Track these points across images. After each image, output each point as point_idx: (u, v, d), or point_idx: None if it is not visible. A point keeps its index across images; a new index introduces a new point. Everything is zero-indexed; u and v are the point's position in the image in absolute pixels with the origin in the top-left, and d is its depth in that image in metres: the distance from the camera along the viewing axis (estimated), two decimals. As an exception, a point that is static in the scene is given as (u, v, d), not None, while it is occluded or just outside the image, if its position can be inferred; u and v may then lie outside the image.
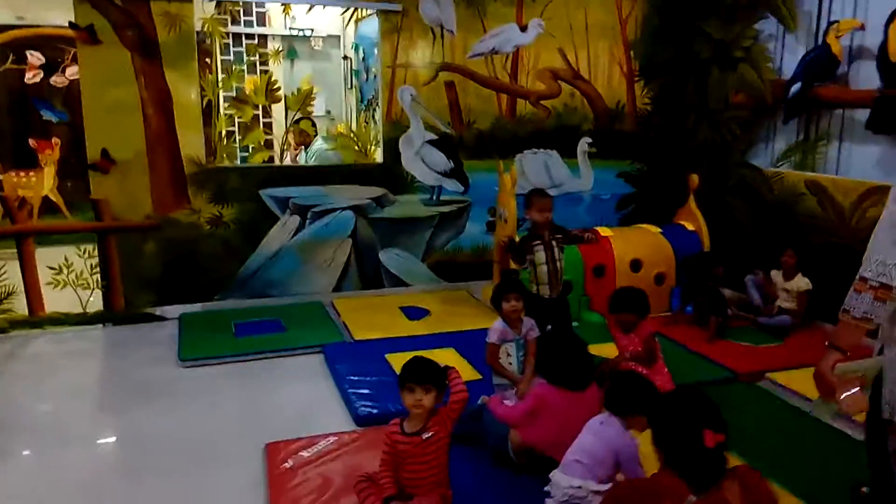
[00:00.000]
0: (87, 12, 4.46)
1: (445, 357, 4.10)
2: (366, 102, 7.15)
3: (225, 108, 5.87)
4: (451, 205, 5.55)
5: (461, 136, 5.48)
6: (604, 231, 5.16)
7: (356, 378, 3.76)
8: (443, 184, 5.49)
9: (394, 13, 5.13)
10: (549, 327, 3.72)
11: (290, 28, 7.20)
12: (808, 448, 3.19)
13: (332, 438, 3.12)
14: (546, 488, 2.54)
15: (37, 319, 4.70)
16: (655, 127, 5.97)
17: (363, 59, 7.37)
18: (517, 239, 3.51)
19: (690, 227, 5.31)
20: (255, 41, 7.46)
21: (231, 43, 7.17)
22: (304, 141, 6.19)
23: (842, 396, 1.99)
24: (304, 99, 6.17)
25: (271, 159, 6.39)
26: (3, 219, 5.25)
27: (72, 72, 6.39)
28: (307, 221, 5.19)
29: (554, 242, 3.79)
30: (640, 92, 5.93)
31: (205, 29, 5.47)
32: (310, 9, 6.04)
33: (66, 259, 4.80)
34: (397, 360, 4.00)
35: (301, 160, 6.57)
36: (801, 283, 4.57)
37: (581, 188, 5.87)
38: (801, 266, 4.58)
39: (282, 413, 3.52)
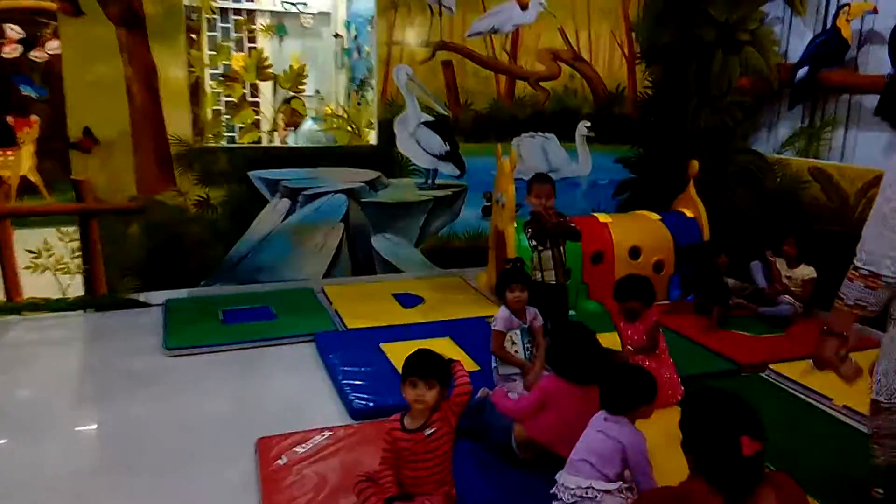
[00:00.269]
0: (68, -17, 4.24)
1: (442, 347, 3.96)
2: (358, 82, 6.96)
3: (213, 86, 5.64)
4: (447, 189, 5.39)
5: (457, 117, 5.31)
6: (602, 217, 5.06)
7: (350, 369, 3.63)
8: (438, 167, 5.33)
9: (390, -11, 4.94)
10: (548, 323, 3.61)
11: (283, 2, 6.95)
12: (815, 440, 3.12)
13: (326, 433, 2.99)
14: (553, 490, 2.43)
15: (14, 305, 4.51)
16: (656, 111, 5.84)
17: (355, 37, 7.17)
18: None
19: (690, 214, 5.21)
20: (244, 17, 7.23)
21: (219, 18, 6.95)
22: (295, 121, 5.98)
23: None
24: (296, 77, 5.95)
25: (260, 140, 6.18)
26: (-20, 199, 5.04)
27: (52, 46, 6.11)
28: (298, 205, 5.01)
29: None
30: (642, 75, 5.78)
31: (193, 2, 5.23)
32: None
33: (45, 242, 4.58)
34: (392, 350, 3.89)
35: (290, 142, 6.36)
36: (806, 271, 4.50)
37: (579, 173, 5.74)
38: (805, 255, 4.49)
39: (273, 405, 3.39)
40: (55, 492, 2.66)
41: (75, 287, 4.59)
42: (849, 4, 4.38)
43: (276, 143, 6.51)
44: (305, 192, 5.01)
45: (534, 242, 3.66)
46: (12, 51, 6.40)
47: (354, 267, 5.24)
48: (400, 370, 3.58)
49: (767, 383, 3.69)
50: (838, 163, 4.57)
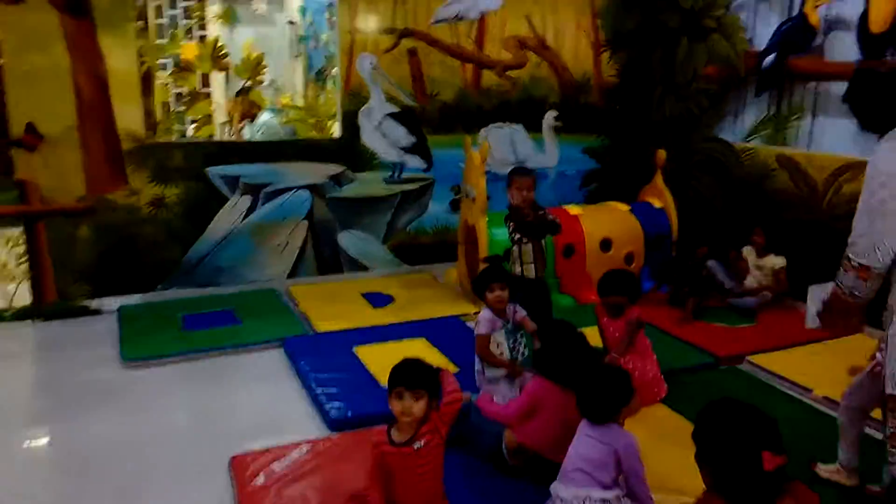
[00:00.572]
0: (3, -33, 3.92)
1: (418, 348, 3.86)
2: (315, 71, 6.72)
3: (166, 78, 5.35)
4: (414, 183, 5.24)
5: (424, 108, 5.15)
6: (572, 209, 4.98)
7: (324, 375, 3.46)
8: (405, 160, 5.16)
9: (351, -26, 4.74)
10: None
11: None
12: (800, 433, 3.07)
13: (305, 447, 2.83)
14: (548, 503, 2.33)
15: (-45, 316, 4.20)
16: (621, 100, 5.78)
17: (311, 24, 6.92)
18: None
19: (658, 205, 5.17)
20: (194, 2, 6.89)
21: (163, 5, 6.60)
22: (250, 113, 5.72)
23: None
24: (254, 67, 5.69)
25: (216, 134, 5.90)
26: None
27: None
28: (259, 202, 4.80)
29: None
30: (607, 63, 5.71)
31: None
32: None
33: (-14, 247, 4.28)
34: (367, 354, 3.75)
35: (246, 135, 6.10)
36: (776, 260, 4.50)
37: (546, 164, 5.65)
38: (774, 243, 4.50)
39: (243, 419, 3.20)
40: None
41: (21, 295, 4.29)
42: (816, -9, 4.37)
43: (229, 136, 6.25)
44: (267, 189, 4.80)
45: (517, 235, 3.55)
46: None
47: (320, 266, 5.05)
48: (375, 374, 3.51)
49: (746, 375, 3.67)
50: (806, 150, 4.58)
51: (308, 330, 4.16)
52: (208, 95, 6.00)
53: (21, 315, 4.27)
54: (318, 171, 4.95)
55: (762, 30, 4.90)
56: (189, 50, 5.81)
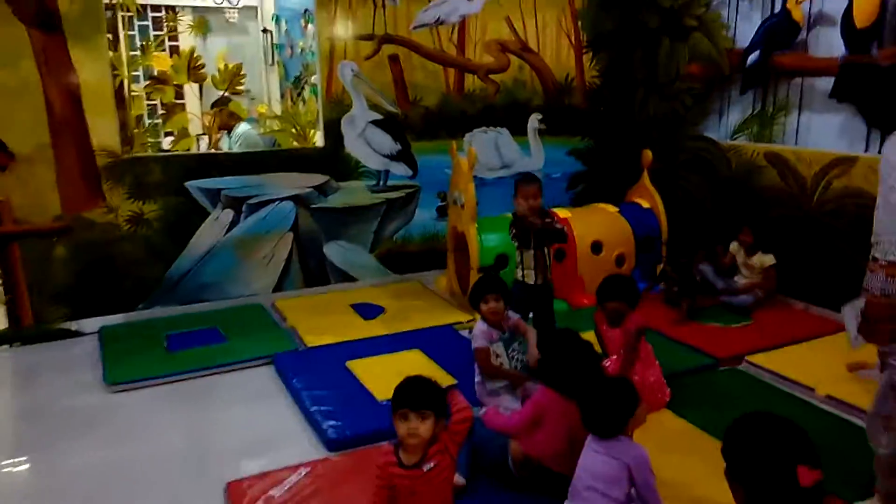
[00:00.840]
0: (-33, -21, 3.77)
1: (412, 360, 3.77)
2: (292, 79, 6.60)
3: (142, 90, 5.19)
4: (400, 190, 5.15)
5: (407, 115, 5.07)
6: (562, 212, 4.90)
7: (317, 393, 3.35)
8: (390, 168, 5.07)
9: (329, -21, 4.64)
10: (532, 315, 3.56)
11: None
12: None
13: (303, 470, 2.72)
14: (560, 523, 2.26)
15: (-74, 343, 4.02)
16: (604, 101, 5.75)
17: (286, 32, 6.80)
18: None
19: (646, 205, 5.12)
20: (163, 13, 6.73)
21: (134, 16, 6.43)
22: (228, 124, 5.58)
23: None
24: (232, 77, 5.56)
25: (197, 147, 5.74)
26: None
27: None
28: (242, 215, 4.67)
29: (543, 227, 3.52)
30: (589, 64, 5.67)
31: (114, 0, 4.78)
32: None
33: (-42, 271, 4.11)
34: (360, 368, 3.65)
35: (224, 146, 5.96)
36: (765, 258, 4.47)
37: (532, 167, 5.57)
38: (762, 241, 4.47)
39: (236, 442, 3.07)
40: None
41: (-3, 319, 4.13)
42: (799, -14, 4.36)
43: (205, 147, 6.09)
44: (250, 202, 4.67)
45: (516, 243, 3.50)
46: None
47: (306, 278, 4.93)
48: (371, 389, 3.41)
49: (747, 376, 3.62)
50: (794, 147, 4.57)
51: (298, 345, 4.04)
52: (184, 107, 5.85)
53: (-3, 341, 4.10)
54: (302, 182, 4.84)
55: (744, 27, 4.89)
56: (162, 61, 5.65)
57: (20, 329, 4.15)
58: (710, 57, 5.03)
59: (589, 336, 3.81)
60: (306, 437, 3.08)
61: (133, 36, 6.32)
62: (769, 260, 4.45)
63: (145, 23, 6.67)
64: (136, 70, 6.01)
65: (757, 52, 4.67)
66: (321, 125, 4.90)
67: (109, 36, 4.60)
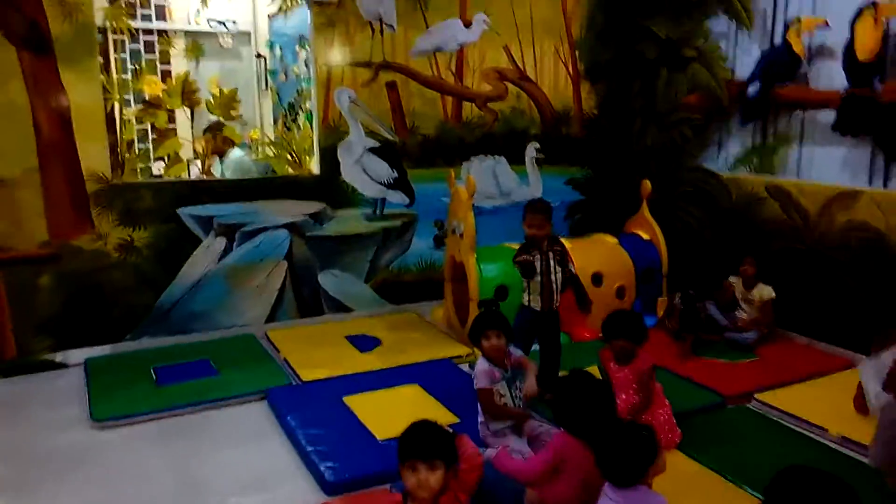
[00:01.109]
0: (-43, 0, 3.66)
1: (411, 396, 3.64)
2: (286, 105, 6.51)
3: (133, 113, 5.07)
4: (396, 219, 5.05)
5: (404, 142, 4.99)
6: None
7: (314, 431, 3.21)
8: (386, 196, 4.98)
9: (328, 5, 4.58)
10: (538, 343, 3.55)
11: (208, 20, 6.42)
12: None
13: (301, 517, 2.58)
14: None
15: None
16: (602, 131, 5.72)
17: (281, 57, 6.72)
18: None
19: (646, 237, 5.07)
20: (164, 37, 6.64)
21: (126, 39, 6.34)
22: (221, 149, 5.47)
23: None
24: (227, 102, 5.46)
25: (189, 173, 5.61)
26: None
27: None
28: (235, 243, 4.54)
29: (551, 254, 3.50)
30: (587, 94, 5.64)
31: (107, 23, 4.67)
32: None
33: (-63, 300, 3.94)
34: (358, 404, 3.52)
35: (216, 171, 5.84)
36: (764, 291, 4.40)
37: (530, 196, 5.50)
38: (763, 274, 4.41)
39: (229, 483, 2.92)
40: None
41: (-23, 351, 3.96)
42: (799, 18, 4.36)
43: (195, 173, 5.97)
44: (243, 229, 4.55)
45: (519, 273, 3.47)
46: None
47: (300, 308, 4.80)
48: (369, 426, 3.28)
49: (756, 415, 3.52)
50: (795, 179, 4.53)
51: (292, 379, 3.91)
52: (175, 132, 5.73)
53: (-23, 373, 3.93)
54: (297, 209, 4.73)
55: (743, 59, 4.89)
56: (153, 85, 5.55)
57: (2, 360, 3.98)
58: (708, 88, 5.01)
59: (592, 370, 3.76)
60: (302, 478, 2.93)
61: (124, 59, 6.23)
62: (768, 293, 4.37)
63: (137, 46, 6.58)
64: (128, 94, 5.90)
65: (757, 84, 4.65)
66: (317, 152, 4.80)
67: (101, 59, 4.51)
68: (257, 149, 6.20)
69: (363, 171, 4.85)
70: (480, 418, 3.04)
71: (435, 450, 2.06)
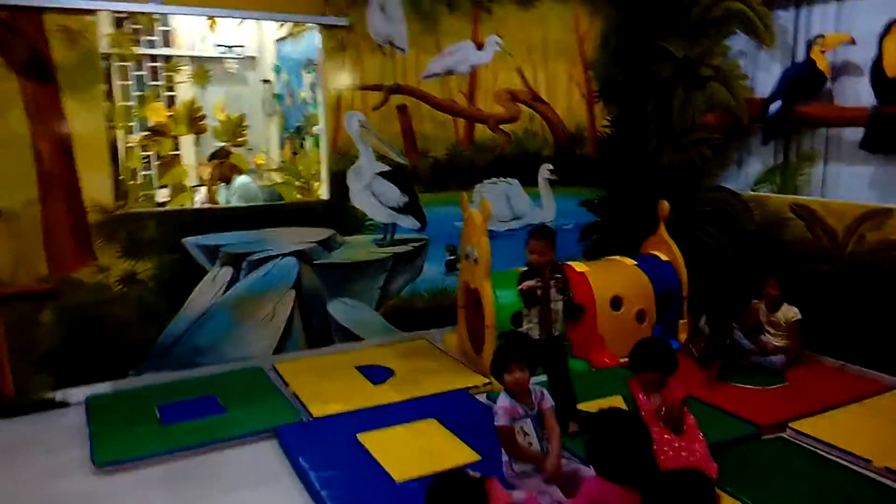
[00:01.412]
0: (-44, 27, 3.55)
1: (429, 432, 3.46)
2: (293, 130, 6.41)
3: (137, 141, 4.94)
4: (407, 244, 4.90)
5: (415, 166, 4.86)
6: (578, 266, 4.69)
7: (327, 473, 3.03)
8: (397, 221, 4.84)
9: (338, 28, 4.47)
10: (546, 374, 3.42)
11: (216, 45, 6.34)
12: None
13: (318, 572, 2.40)
14: None
15: None
16: (616, 151, 5.58)
17: (287, 82, 6.63)
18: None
19: (664, 258, 4.90)
20: (159, 63, 6.55)
21: (131, 65, 6.25)
22: (226, 176, 5.34)
23: None
24: (234, 128, 5.34)
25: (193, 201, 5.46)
26: None
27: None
28: (242, 272, 4.39)
29: (552, 282, 3.36)
30: (600, 114, 5.52)
31: (112, 49, 4.56)
32: (240, 23, 5.24)
33: (-67, 336, 3.78)
34: (374, 442, 3.34)
35: (221, 198, 5.71)
36: (790, 313, 4.23)
37: (543, 219, 5.38)
38: (790, 296, 4.23)
39: (240, 532, 2.74)
40: None
41: (-27, 390, 3.80)
42: (823, 35, 4.24)
43: (200, 200, 5.83)
44: (250, 258, 4.40)
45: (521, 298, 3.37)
46: None
47: (309, 338, 4.63)
48: (387, 467, 3.10)
49: (794, 446, 3.34)
50: (821, 198, 4.38)
51: (303, 415, 3.73)
52: (180, 159, 5.61)
53: (-26, 413, 3.76)
54: (305, 236, 4.58)
55: (763, 77, 4.76)
56: (158, 112, 5.43)
57: (0, 401, 3.81)
58: (727, 107, 4.88)
59: (614, 401, 3.60)
60: (318, 526, 2.76)
61: (128, 86, 6.13)
62: (794, 314, 4.20)
63: (142, 73, 6.49)
64: (132, 121, 5.79)
65: (779, 102, 4.52)
66: (325, 177, 4.67)
67: (104, 86, 4.40)
68: (263, 174, 6.08)
69: (373, 196, 4.71)
70: (504, 458, 2.85)
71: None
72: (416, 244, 4.94)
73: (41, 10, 3.67)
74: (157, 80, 6.29)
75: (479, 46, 4.93)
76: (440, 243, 4.99)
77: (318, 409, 3.74)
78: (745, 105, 4.78)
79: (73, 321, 3.96)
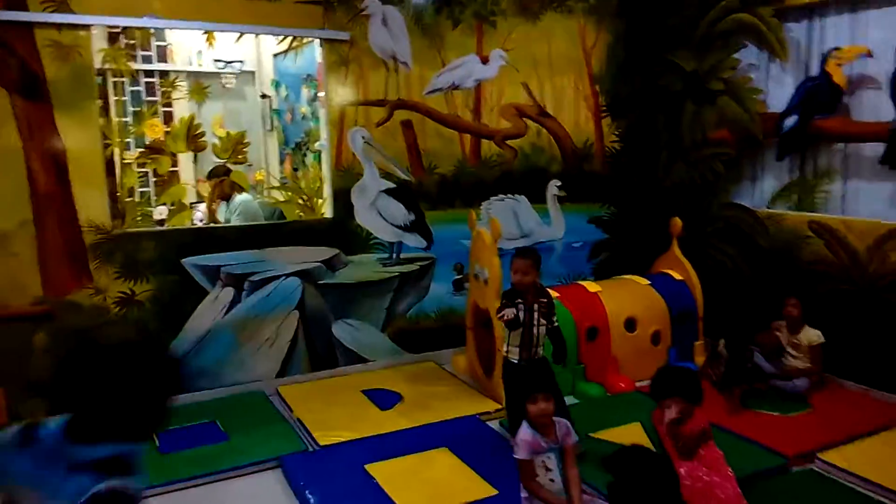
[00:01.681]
0: (-53, 41, 3.42)
1: (442, 463, 3.31)
2: (293, 146, 6.28)
3: (134, 158, 4.80)
4: (413, 263, 4.76)
5: (421, 183, 4.73)
6: (591, 287, 4.56)
7: (336, 508, 2.88)
8: (403, 239, 4.70)
9: (340, 42, 4.35)
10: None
11: (214, 60, 6.22)
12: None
13: None
14: None
15: None
16: (625, 167, 5.47)
17: (286, 97, 6.51)
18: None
19: (678, 277, 4.78)
20: (155, 79, 6.43)
21: (127, 81, 6.11)
22: (226, 195, 5.20)
23: None
24: (234, 145, 5.21)
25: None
26: None
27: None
28: (244, 293, 4.25)
29: (536, 306, 3.27)
30: (608, 129, 5.40)
31: (106, 65, 4.44)
32: (239, 37, 5.15)
33: (-78, 362, 3.62)
34: (383, 474, 3.19)
35: (220, 215, 5.56)
36: (812, 335, 4.08)
37: (552, 236, 5.25)
38: (809, 318, 4.09)
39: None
40: None
41: (-36, 418, 3.63)
42: (839, 48, 4.14)
43: (198, 217, 5.68)
44: (252, 278, 4.26)
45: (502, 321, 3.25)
46: None
47: (313, 361, 4.48)
48: (397, 501, 2.95)
49: (825, 479, 3.18)
50: (841, 216, 4.26)
51: (308, 444, 3.57)
52: (178, 177, 5.46)
53: (-37, 443, 3.58)
54: (309, 256, 4.44)
55: (776, 91, 4.65)
56: (155, 129, 5.28)
57: (-10, 428, 3.64)
58: (739, 121, 4.77)
59: (633, 430, 3.44)
60: (327, 567, 2.60)
61: (124, 102, 6.00)
62: (816, 337, 4.06)
63: (138, 88, 6.36)
64: (128, 138, 5.65)
65: (794, 117, 4.41)
66: (329, 195, 4.53)
67: (100, 102, 4.27)
68: (262, 191, 5.93)
69: (378, 214, 4.58)
70: (523, 493, 2.70)
71: None
72: (423, 263, 4.80)
73: (31, 26, 3.55)
74: (153, 96, 6.16)
75: (484, 61, 4.82)
76: (447, 262, 4.86)
77: (325, 438, 3.58)
78: (758, 120, 4.66)
79: (69, 345, 3.79)
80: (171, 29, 5.17)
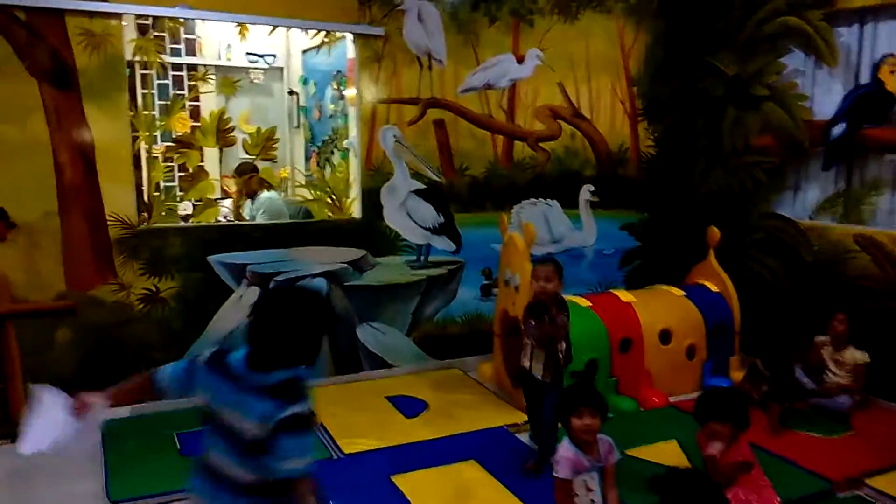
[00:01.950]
0: (-21, 30, 3.36)
1: (470, 476, 3.19)
2: (320, 143, 6.19)
3: (160, 151, 4.74)
4: (441, 267, 4.65)
5: (452, 184, 4.62)
6: (624, 296, 4.41)
7: (362, 521, 2.77)
8: (431, 241, 4.59)
9: (373, 38, 4.25)
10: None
11: (246, 53, 6.15)
12: None
13: None
14: None
15: None
16: (660, 172, 5.31)
17: (314, 94, 6.42)
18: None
19: (714, 289, 4.61)
20: (183, 72, 6.37)
21: (156, 73, 6.06)
22: (253, 192, 5.12)
23: None
24: (264, 141, 5.13)
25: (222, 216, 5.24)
26: None
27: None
28: (269, 293, 4.15)
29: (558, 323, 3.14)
30: (644, 133, 5.26)
31: (137, 56, 4.38)
32: (272, 30, 5.08)
33: (-56, 354, 3.56)
34: (410, 486, 3.07)
35: (245, 213, 5.48)
36: (857, 354, 3.91)
37: (583, 243, 5.12)
38: (853, 335, 3.92)
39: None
40: None
41: (-15, 412, 3.57)
42: (893, 54, 3.96)
43: (224, 213, 5.61)
44: (278, 278, 4.17)
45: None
46: None
47: (336, 364, 4.39)
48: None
49: (875, 508, 3.03)
50: (890, 230, 4.08)
51: (332, 452, 3.46)
52: (206, 172, 5.39)
53: (-16, 437, 3.53)
54: (336, 256, 4.35)
55: (822, 97, 4.48)
56: (183, 123, 5.21)
57: (12, 424, 3.57)
58: (784, 129, 4.60)
59: (669, 448, 3.30)
60: (353, 585, 2.49)
61: (153, 95, 5.94)
62: (862, 357, 3.89)
63: (165, 81, 6.31)
64: (156, 132, 5.59)
65: (843, 125, 4.24)
66: (358, 194, 4.43)
67: (128, 94, 4.21)
68: (286, 188, 5.85)
69: (407, 216, 4.47)
70: (558, 512, 2.57)
71: None
72: (451, 267, 4.69)
73: (63, 13, 3.48)
74: (181, 89, 6.10)
75: (520, 60, 4.70)
76: (476, 266, 4.74)
77: (349, 446, 3.47)
78: (804, 127, 4.49)
79: (92, 341, 3.74)
80: (203, 20, 5.07)
